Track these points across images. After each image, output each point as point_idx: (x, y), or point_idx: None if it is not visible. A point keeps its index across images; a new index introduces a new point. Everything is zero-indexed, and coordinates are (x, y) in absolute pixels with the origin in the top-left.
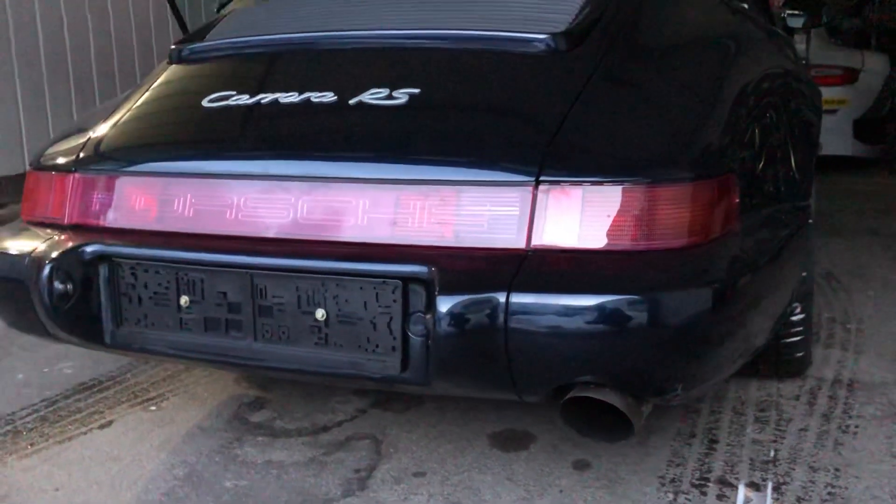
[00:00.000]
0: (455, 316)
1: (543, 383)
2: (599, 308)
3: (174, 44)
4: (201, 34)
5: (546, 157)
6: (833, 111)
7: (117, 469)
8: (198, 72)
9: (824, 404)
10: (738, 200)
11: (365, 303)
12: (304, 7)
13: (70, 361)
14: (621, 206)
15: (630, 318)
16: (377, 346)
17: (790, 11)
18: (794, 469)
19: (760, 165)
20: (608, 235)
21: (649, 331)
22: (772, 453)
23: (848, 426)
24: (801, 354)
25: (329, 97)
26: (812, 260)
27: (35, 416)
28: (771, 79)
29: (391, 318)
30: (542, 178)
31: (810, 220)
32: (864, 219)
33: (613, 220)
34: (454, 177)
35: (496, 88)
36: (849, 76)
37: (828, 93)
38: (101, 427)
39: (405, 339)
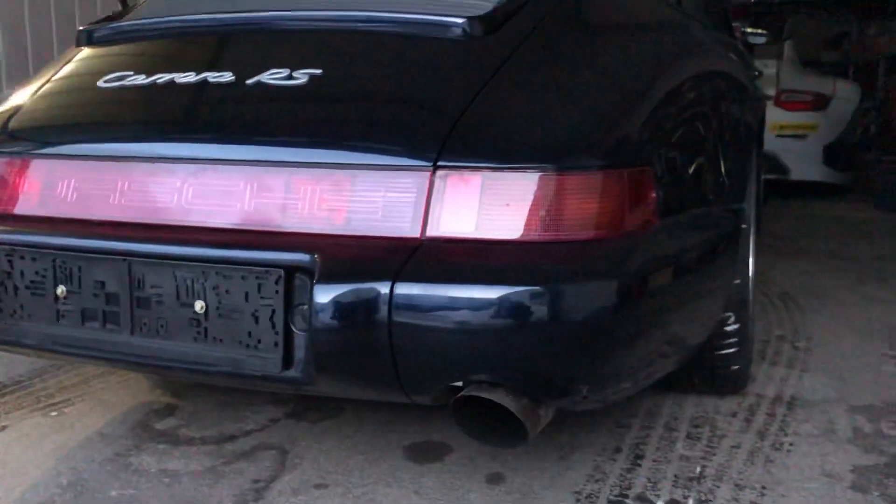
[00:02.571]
0: (335, 308)
1: (433, 382)
2: (492, 300)
3: (82, 27)
4: (118, 17)
5: (446, 143)
6: (803, 136)
7: None
8: (103, 53)
9: (761, 421)
10: (655, 196)
11: (246, 294)
12: None
13: None
14: (522, 194)
15: (526, 311)
16: (259, 341)
17: (751, 30)
18: (718, 486)
19: (685, 164)
20: (507, 225)
21: (547, 326)
22: (698, 470)
23: (782, 444)
24: (736, 368)
25: (227, 77)
26: (748, 268)
27: None
28: (704, 78)
29: (273, 312)
30: (439, 164)
31: (744, 226)
32: (828, 243)
33: (513, 209)
34: (348, 160)
35: (404, 72)
36: (819, 102)
37: (798, 118)
38: None
39: (287, 333)
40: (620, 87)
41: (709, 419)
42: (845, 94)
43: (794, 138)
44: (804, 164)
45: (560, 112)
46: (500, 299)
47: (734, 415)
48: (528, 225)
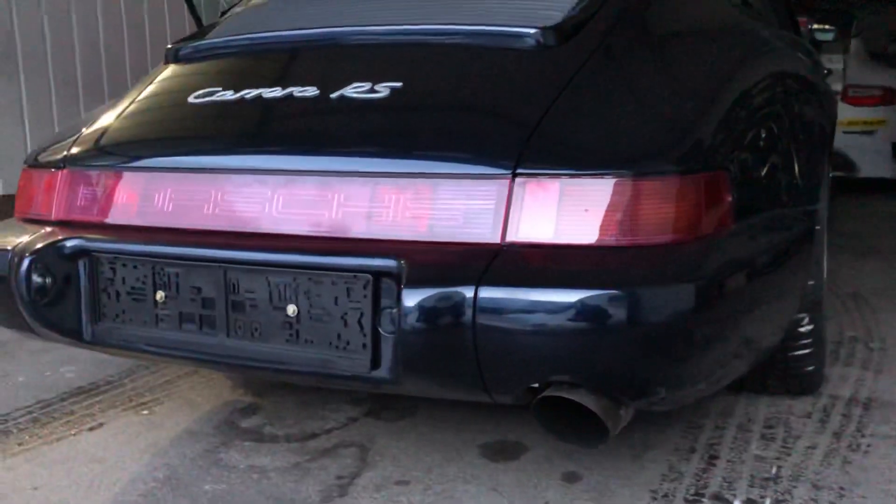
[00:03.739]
0: (421, 311)
1: (515, 383)
2: (572, 304)
3: (171, 44)
4: (201, 35)
5: (524, 150)
6: (871, 132)
7: (99, 470)
8: (190, 70)
9: (837, 422)
10: (730, 199)
11: (336, 298)
12: (299, 6)
13: (72, 366)
14: (600, 199)
15: (605, 314)
16: (348, 342)
17: (817, 26)
18: (795, 487)
19: (759, 166)
20: (586, 230)
21: (626, 328)
22: (774, 470)
23: (859, 445)
24: (810, 369)
25: (311, 91)
26: (821, 269)
27: (28, 417)
28: (775, 80)
29: (361, 315)
30: (518, 171)
31: (817, 227)
32: None
33: (592, 215)
34: (431, 169)
35: (480, 83)
36: (888, 97)
37: (866, 113)
38: (91, 430)
39: (375, 336)
40: (692, 93)
41: (783, 420)
42: None
43: (861, 134)
44: (873, 160)
45: (634, 119)
46: (580, 302)
47: (809, 415)
48: (605, 230)
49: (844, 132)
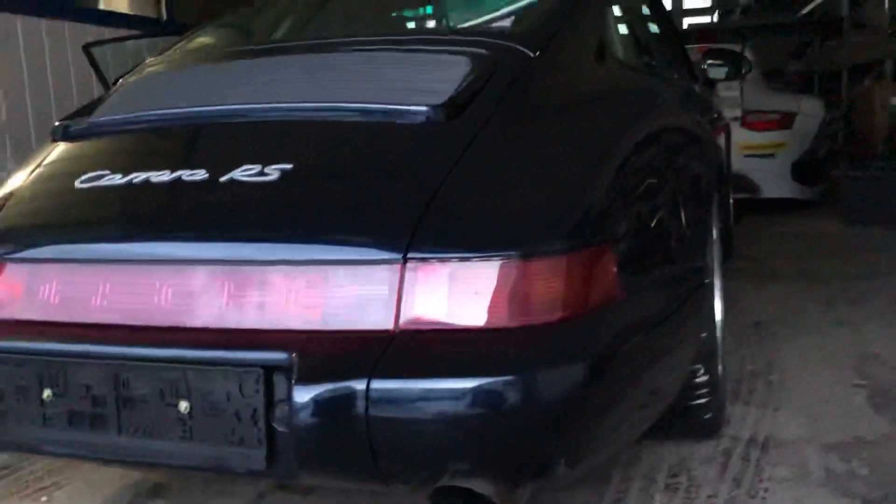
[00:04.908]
0: (314, 405)
1: (411, 473)
2: (466, 391)
3: (58, 121)
4: (88, 110)
5: (415, 234)
6: (771, 155)
7: None
8: (77, 151)
9: (737, 467)
10: (617, 269)
11: (228, 393)
12: (189, 81)
13: None
14: (488, 281)
15: (498, 400)
16: (242, 438)
17: (711, 61)
18: None
19: (646, 231)
20: (476, 313)
21: (519, 412)
22: None
23: (756, 491)
24: (709, 416)
25: (200, 175)
26: (713, 319)
27: None
28: (659, 139)
29: (255, 410)
30: (409, 256)
31: (707, 280)
32: (800, 262)
33: (482, 297)
34: (322, 256)
35: (372, 163)
36: (785, 120)
37: (765, 137)
38: None
39: (270, 430)
40: (576, 165)
41: (686, 467)
42: (810, 110)
43: (762, 157)
44: (774, 181)
45: (520, 196)
46: (473, 390)
47: (710, 460)
48: (496, 312)
49: (746, 156)
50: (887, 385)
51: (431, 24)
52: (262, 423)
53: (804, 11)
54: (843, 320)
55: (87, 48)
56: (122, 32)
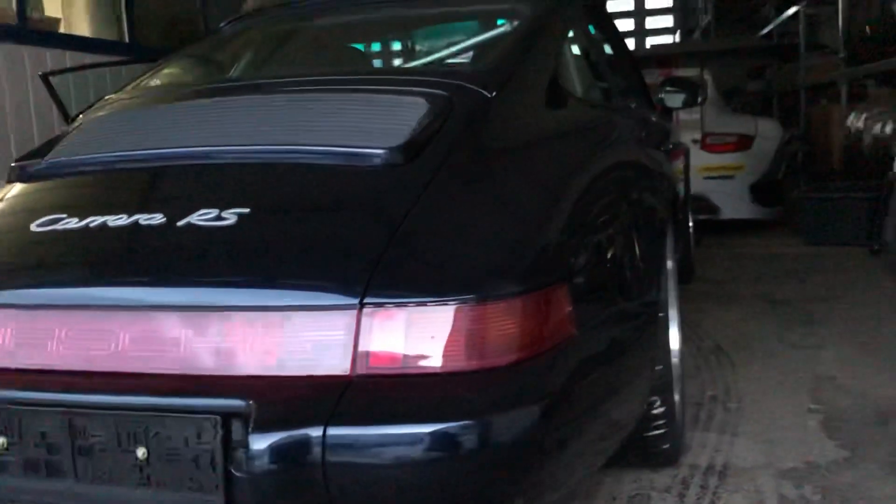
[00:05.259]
0: (271, 452)
1: None
2: (423, 436)
3: (14, 162)
4: (45, 150)
5: (372, 278)
6: (730, 177)
7: None
8: (34, 192)
9: (694, 496)
10: (571, 308)
11: (186, 439)
12: (148, 121)
13: None
14: (444, 326)
15: (454, 444)
16: (201, 484)
17: (669, 88)
18: None
19: (599, 268)
20: (433, 357)
21: (477, 456)
22: None
23: None
24: (666, 447)
25: (158, 219)
26: (668, 353)
27: None
28: (612, 176)
29: (213, 456)
30: (366, 301)
31: (661, 314)
32: (759, 285)
33: (438, 341)
34: (279, 302)
35: (329, 207)
36: (743, 142)
37: (724, 159)
38: None
39: (228, 476)
40: (532, 206)
41: (645, 496)
42: (768, 132)
43: (721, 179)
44: (733, 202)
45: (474, 239)
46: (430, 435)
47: (669, 489)
48: (452, 355)
49: (706, 178)
50: (841, 409)
51: (392, 61)
52: (220, 469)
53: (762, 33)
54: (799, 344)
55: (45, 77)
56: (84, 57)
